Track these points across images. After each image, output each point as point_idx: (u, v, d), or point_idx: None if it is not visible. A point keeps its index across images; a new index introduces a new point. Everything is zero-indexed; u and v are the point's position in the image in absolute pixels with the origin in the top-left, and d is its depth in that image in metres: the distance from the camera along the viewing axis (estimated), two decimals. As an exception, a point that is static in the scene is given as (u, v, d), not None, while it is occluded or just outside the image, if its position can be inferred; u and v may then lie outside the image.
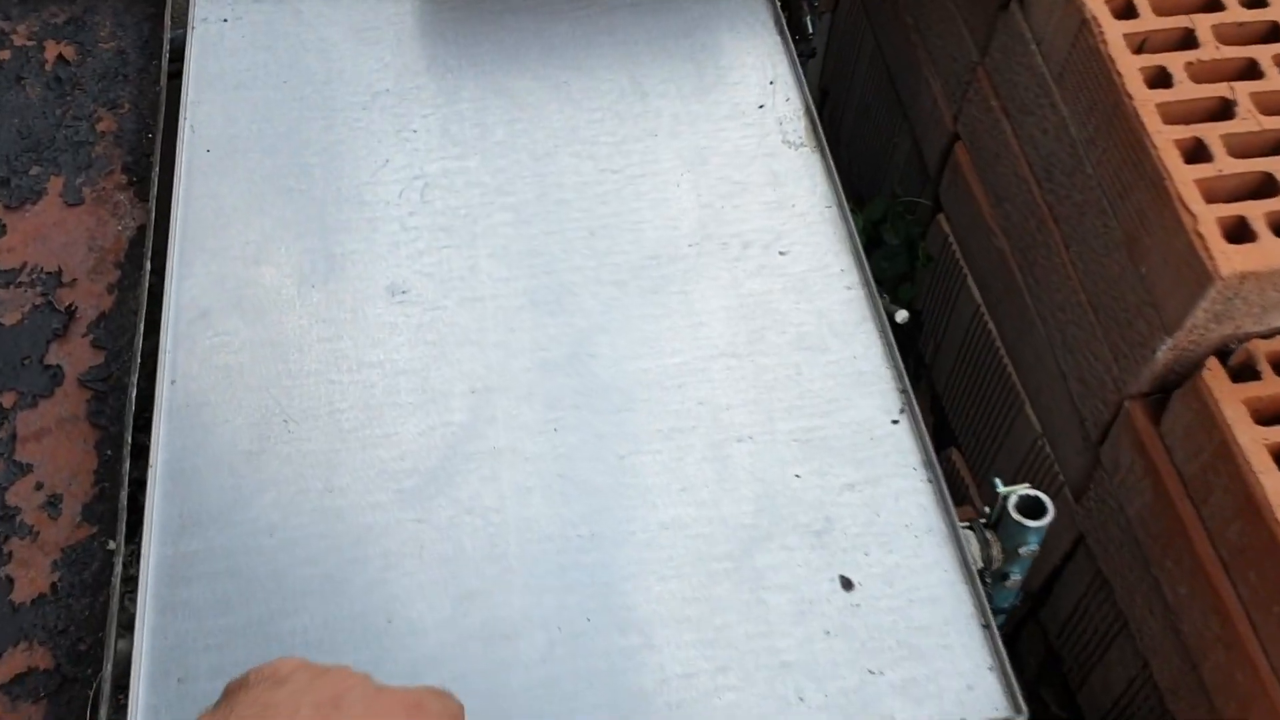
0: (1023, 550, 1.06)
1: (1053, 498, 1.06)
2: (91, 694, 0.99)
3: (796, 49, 1.46)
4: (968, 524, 1.08)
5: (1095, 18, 1.15)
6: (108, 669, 0.99)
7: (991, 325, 1.44)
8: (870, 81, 1.73)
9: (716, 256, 1.26)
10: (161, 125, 1.36)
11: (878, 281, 1.51)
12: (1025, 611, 1.46)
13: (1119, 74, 1.11)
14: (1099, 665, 1.30)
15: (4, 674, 1.01)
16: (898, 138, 1.66)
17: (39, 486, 1.11)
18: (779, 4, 1.48)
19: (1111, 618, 1.26)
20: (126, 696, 0.98)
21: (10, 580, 1.06)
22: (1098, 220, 1.16)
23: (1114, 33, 1.13)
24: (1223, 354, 1.07)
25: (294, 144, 1.36)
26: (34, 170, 1.33)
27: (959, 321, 1.52)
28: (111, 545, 1.07)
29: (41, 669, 1.01)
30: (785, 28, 1.46)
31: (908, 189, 1.62)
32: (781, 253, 1.26)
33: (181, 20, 1.48)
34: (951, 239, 1.50)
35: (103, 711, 0.97)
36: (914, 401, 1.14)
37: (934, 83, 1.51)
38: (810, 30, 1.55)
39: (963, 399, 1.55)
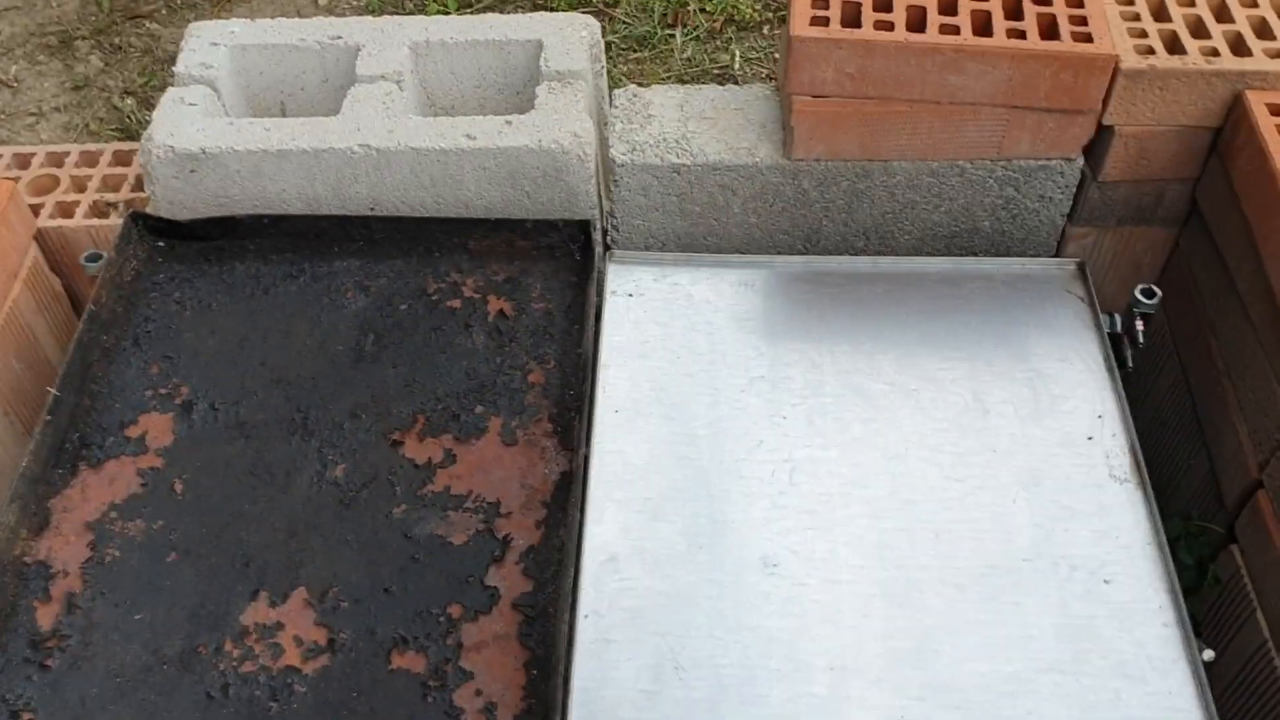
0: None
1: None
2: None
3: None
4: None
5: None
6: None
7: (1276, 658, 1.58)
8: (1169, 403, 1.92)
9: (1047, 575, 1.46)
10: (582, 383, 1.65)
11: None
12: None
13: None
14: None
15: None
16: (1192, 460, 1.83)
17: (478, 693, 1.37)
18: (1111, 338, 1.70)
19: None
20: None
21: (454, 770, 1.32)
22: (1407, 608, 1.31)
23: None
24: None
25: (686, 415, 1.63)
26: (478, 409, 1.64)
27: (1243, 646, 1.66)
28: (538, 754, 1.32)
29: None
30: (1114, 364, 1.67)
31: (1199, 510, 1.79)
32: (1106, 581, 1.45)
33: (599, 288, 1.78)
34: (1243, 572, 1.66)
35: None
36: (1224, 745, 1.30)
37: (1241, 427, 1.69)
38: (1130, 364, 1.75)
39: (1240, 714, 1.68)
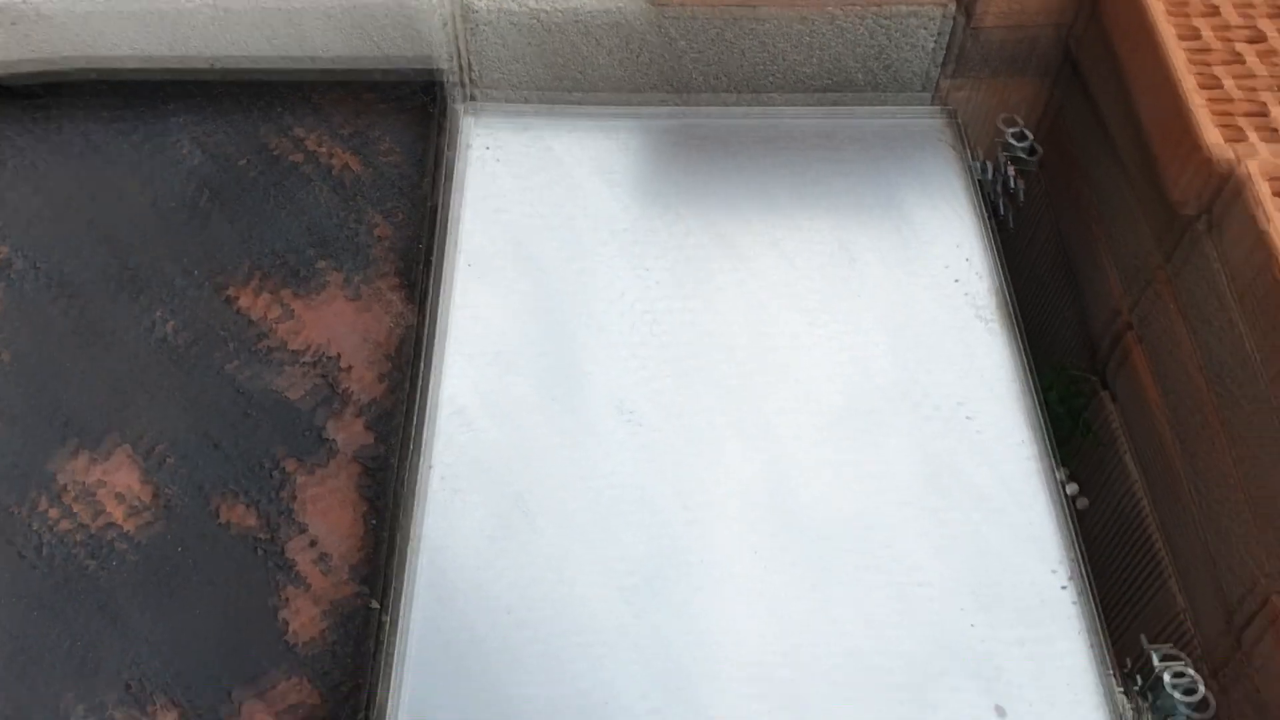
0: (1170, 720, 1.18)
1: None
2: (354, 731, 1.16)
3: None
4: (1123, 688, 1.20)
5: (1280, 251, 1.28)
6: (372, 713, 1.16)
7: (1145, 501, 1.56)
8: (1046, 252, 1.88)
9: (909, 414, 1.41)
10: (432, 237, 1.57)
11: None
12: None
13: (1298, 305, 1.25)
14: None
15: (278, 703, 1.19)
16: (1067, 312, 1.80)
17: (313, 544, 1.30)
18: (980, 185, 1.65)
19: (1238, 792, 1.36)
20: (382, 738, 1.15)
21: (285, 623, 1.24)
22: (1266, 431, 1.29)
23: (1296, 267, 1.27)
24: (1372, 568, 1.19)
25: (543, 268, 1.56)
26: (319, 264, 1.55)
27: (1111, 491, 1.64)
28: (374, 604, 1.25)
29: (309, 704, 1.19)
30: (983, 210, 1.62)
31: (1074, 360, 1.76)
32: (968, 417, 1.41)
33: (450, 141, 1.69)
34: (1114, 416, 1.64)
35: (365, 748, 1.14)
36: (1085, 571, 1.27)
37: (1112, 272, 1.65)
38: (1003, 212, 1.71)
39: (1105, 562, 1.66)
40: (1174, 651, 1.23)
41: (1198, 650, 1.44)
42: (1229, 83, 1.45)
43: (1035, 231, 1.92)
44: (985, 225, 1.60)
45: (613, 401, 1.42)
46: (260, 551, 1.29)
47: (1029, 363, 1.45)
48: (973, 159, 1.69)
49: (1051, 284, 1.87)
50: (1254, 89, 1.44)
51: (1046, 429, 1.38)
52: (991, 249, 1.57)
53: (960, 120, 1.73)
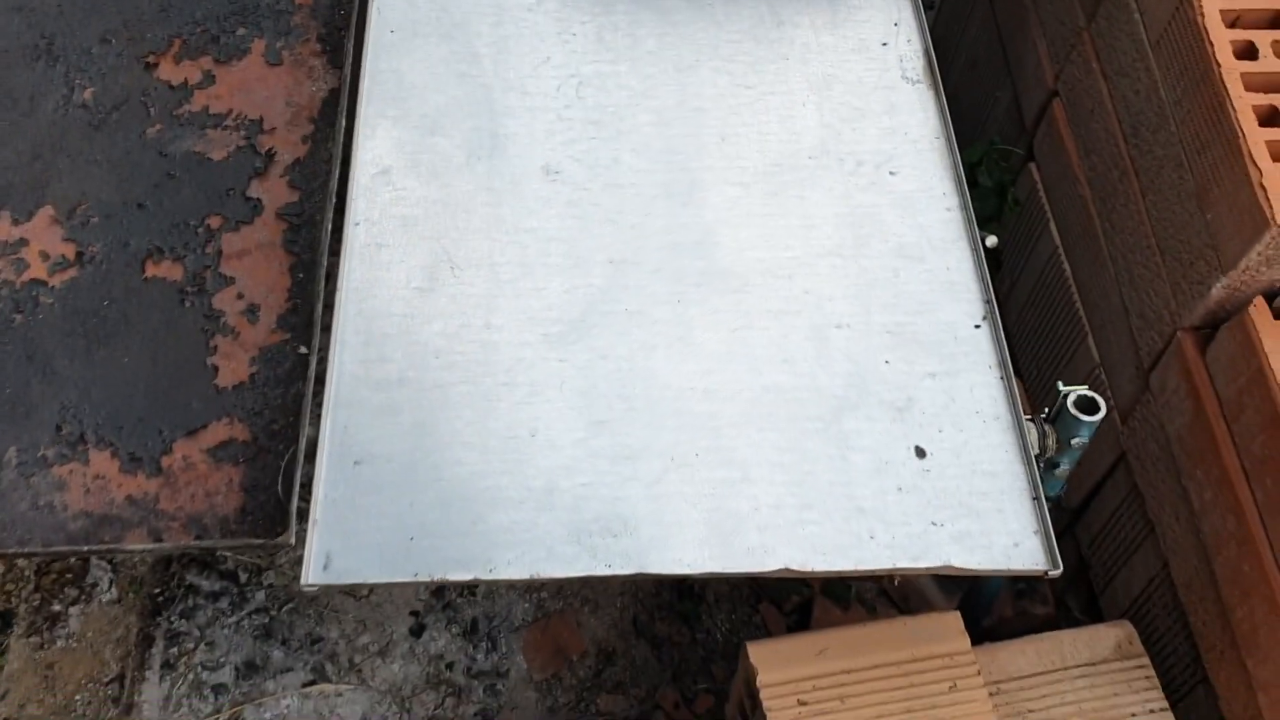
0: (1074, 442, 1.23)
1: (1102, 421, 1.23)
2: (284, 463, 1.19)
3: (919, -2, 1.62)
4: (1029, 416, 1.25)
5: (1196, -7, 1.29)
6: (301, 445, 1.19)
7: (1066, 266, 1.60)
8: (980, 36, 1.88)
9: (833, 170, 1.43)
10: (356, 4, 1.54)
11: (966, 220, 1.66)
12: (1062, 527, 1.63)
13: (1211, 44, 1.26)
14: (1123, 569, 1.48)
15: (209, 441, 1.21)
16: (1000, 90, 1.81)
17: (240, 296, 1.31)
18: (908, -45, 1.64)
19: (1140, 526, 1.42)
20: (311, 469, 1.18)
21: (215, 368, 1.26)
22: (1174, 173, 1.32)
23: (1211, 7, 1.28)
24: (1270, 295, 1.23)
25: (468, 34, 1.54)
26: (240, 31, 1.52)
27: (1036, 261, 1.68)
28: (303, 350, 1.27)
29: (240, 440, 1.22)
30: (912, -22, 1.61)
31: (1004, 138, 1.78)
32: (891, 173, 1.43)
33: (373, -86, 1.65)
34: (1040, 186, 1.66)
35: (295, 477, 1.17)
36: (996, 311, 1.31)
37: (1040, 44, 1.66)
38: (933, -17, 1.70)
39: (1030, 333, 1.71)
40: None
41: (1111, 402, 1.49)
42: None
43: (969, 18, 1.91)
44: (914, -8, 1.60)
45: (538, 161, 1.43)
46: (188, 303, 1.30)
47: (951, 123, 1.46)
48: (904, -72, 1.67)
49: (986, 67, 1.87)
50: None
51: (962, 182, 1.40)
52: (920, 12, 1.57)
53: (893, -111, 1.70)
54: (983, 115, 1.86)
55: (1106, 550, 1.52)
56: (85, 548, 1.15)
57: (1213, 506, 1.26)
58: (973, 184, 1.76)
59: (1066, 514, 1.61)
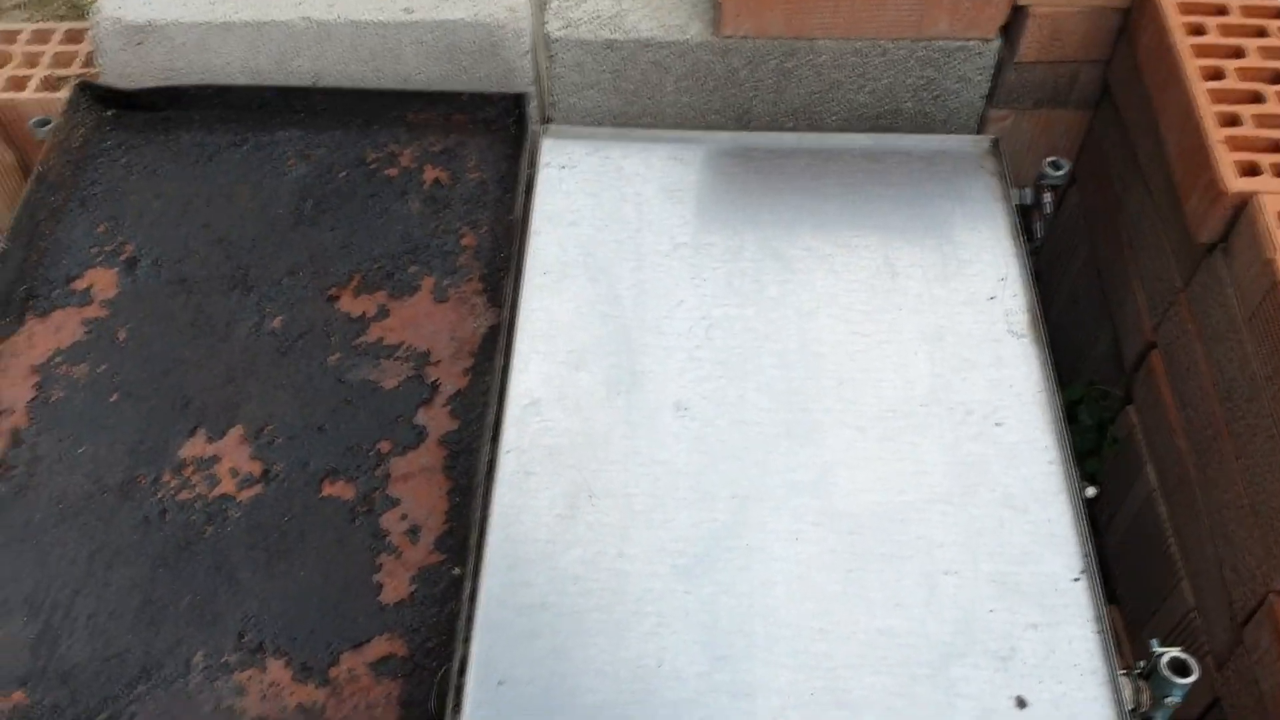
0: (1167, 700, 1.30)
1: (1197, 664, 1.30)
2: (437, 679, 1.32)
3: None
4: (1125, 671, 1.33)
5: (1286, 278, 1.41)
6: (455, 664, 1.32)
7: (1163, 508, 1.68)
8: (1082, 279, 2.00)
9: (943, 419, 1.55)
10: (512, 246, 1.73)
11: (1068, 454, 1.76)
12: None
13: (1300, 328, 1.37)
14: (1221, 815, 1.52)
15: (372, 655, 1.35)
16: (1099, 331, 1.92)
17: (404, 517, 1.46)
18: (1017, 210, 1.78)
19: (1237, 775, 1.48)
20: (462, 689, 1.31)
21: (380, 585, 1.41)
22: (1266, 443, 1.41)
23: (1301, 293, 1.39)
24: (1360, 570, 1.31)
25: (610, 277, 1.71)
26: (411, 269, 1.71)
27: (1134, 500, 1.76)
28: (457, 571, 1.41)
29: (399, 656, 1.35)
30: (1019, 232, 1.75)
31: (1104, 377, 1.88)
32: (998, 424, 1.54)
33: (530, 161, 1.86)
34: (1138, 429, 1.76)
35: (448, 697, 1.30)
36: (1094, 565, 1.40)
37: (1139, 295, 1.78)
38: (1038, 235, 1.84)
39: (1127, 565, 1.78)
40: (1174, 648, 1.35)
41: (1206, 647, 1.56)
42: (1248, 120, 1.57)
43: (1073, 257, 2.04)
44: (1020, 247, 1.73)
45: (670, 398, 1.57)
46: (358, 522, 1.45)
47: (1054, 375, 1.58)
48: (1013, 185, 1.82)
49: (1086, 306, 1.99)
50: (1273, 126, 1.56)
51: (1067, 435, 1.51)
52: (1026, 269, 1.70)
53: (1003, 148, 1.86)
54: (1082, 352, 1.97)
55: (1203, 793, 1.57)
56: (259, 749, 1.29)
57: (1306, 769, 1.31)
58: (1073, 419, 1.86)
59: (1165, 749, 1.66)
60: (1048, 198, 1.80)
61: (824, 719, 1.29)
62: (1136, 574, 1.77)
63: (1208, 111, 1.58)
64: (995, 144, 1.86)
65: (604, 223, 1.78)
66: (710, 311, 1.67)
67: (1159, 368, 1.70)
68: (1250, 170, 1.52)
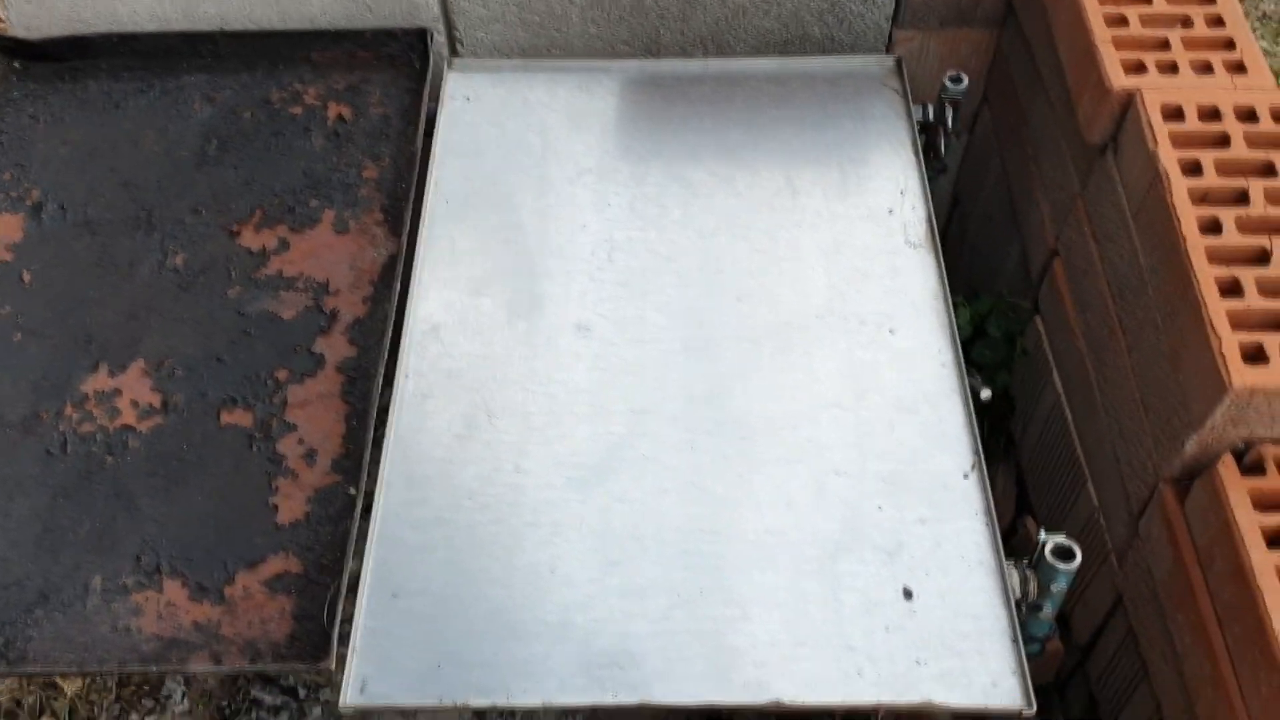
0: (1054, 587, 1.32)
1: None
2: (329, 595, 1.33)
3: (929, 166, 1.76)
4: (1012, 561, 1.35)
5: (1167, 172, 1.42)
6: (344, 579, 1.33)
7: (1068, 413, 1.70)
8: (994, 196, 2.01)
9: (837, 329, 1.56)
10: (413, 177, 1.73)
11: (979, 367, 1.79)
12: (1075, 663, 1.69)
13: (1178, 219, 1.38)
14: (1126, 708, 1.54)
15: (267, 573, 1.36)
16: (1010, 246, 1.93)
17: (300, 442, 1.47)
18: (919, 128, 1.79)
19: (1137, 666, 1.49)
20: (354, 600, 1.32)
21: (275, 507, 1.42)
22: (1153, 334, 1.42)
23: (1180, 186, 1.40)
24: (1239, 452, 1.32)
25: (514, 205, 1.72)
26: (313, 203, 1.72)
27: (1043, 408, 1.78)
28: (352, 491, 1.42)
29: (294, 573, 1.36)
30: (920, 149, 1.76)
31: (1014, 291, 1.89)
32: (891, 331, 1.55)
33: (435, 95, 1.86)
34: (1044, 338, 1.77)
35: (338, 608, 1.31)
36: (983, 462, 1.42)
37: (1043, 205, 1.79)
38: (944, 151, 1.84)
39: (1040, 475, 1.80)
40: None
41: (1109, 544, 1.58)
42: (1135, 21, 1.57)
43: (986, 175, 2.05)
44: (920, 161, 1.74)
45: (571, 319, 1.58)
46: (255, 448, 1.46)
47: (944, 280, 1.59)
48: (915, 103, 1.82)
49: (1000, 222, 2.00)
50: (1157, 25, 1.57)
51: (956, 339, 1.52)
52: (924, 183, 1.71)
53: (905, 67, 1.86)
54: (995, 267, 1.98)
55: (1110, 689, 1.59)
56: (155, 668, 1.30)
57: (1192, 650, 1.33)
58: (984, 333, 1.88)
59: (1077, 651, 1.68)
60: (949, 112, 1.81)
61: (710, 614, 1.31)
62: (1048, 483, 1.78)
63: (1095, 12, 1.58)
64: (899, 63, 1.87)
65: (508, 153, 1.79)
66: (613, 235, 1.68)
67: (1060, 274, 1.72)
68: (1137, 68, 1.53)
